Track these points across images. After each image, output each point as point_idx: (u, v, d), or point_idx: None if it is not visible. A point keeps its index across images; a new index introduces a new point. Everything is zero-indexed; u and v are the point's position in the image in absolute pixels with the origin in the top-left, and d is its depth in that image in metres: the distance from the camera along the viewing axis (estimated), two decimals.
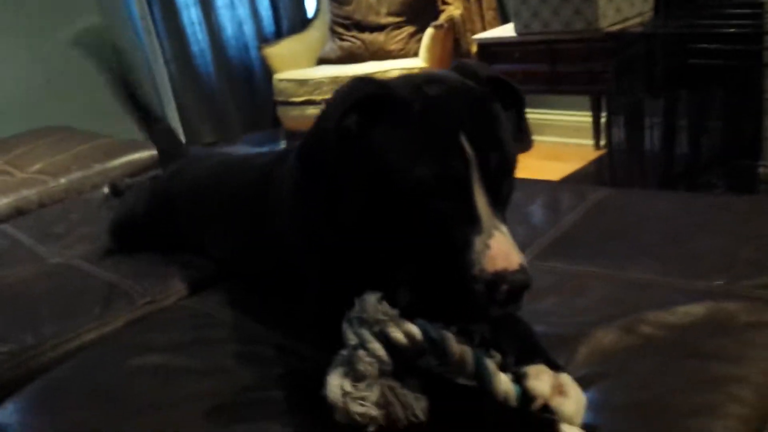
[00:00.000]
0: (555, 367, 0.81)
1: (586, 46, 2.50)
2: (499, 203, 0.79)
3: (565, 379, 0.79)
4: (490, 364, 0.76)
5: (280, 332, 1.06)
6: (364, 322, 0.76)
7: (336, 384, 0.74)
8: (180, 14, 3.85)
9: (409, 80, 0.85)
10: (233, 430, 0.84)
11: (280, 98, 3.71)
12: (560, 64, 2.62)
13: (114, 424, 0.89)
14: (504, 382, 0.76)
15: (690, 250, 1.10)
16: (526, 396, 0.76)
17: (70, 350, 1.16)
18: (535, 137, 3.79)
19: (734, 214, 1.21)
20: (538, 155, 3.62)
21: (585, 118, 3.45)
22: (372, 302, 0.77)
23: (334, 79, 3.45)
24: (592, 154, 3.40)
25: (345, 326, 0.78)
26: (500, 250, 0.74)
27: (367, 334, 0.75)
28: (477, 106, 0.82)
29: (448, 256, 0.77)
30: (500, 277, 0.73)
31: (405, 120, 0.79)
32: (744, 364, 0.84)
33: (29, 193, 2.36)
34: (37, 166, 2.63)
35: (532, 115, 3.75)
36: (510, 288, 0.74)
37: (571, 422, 0.74)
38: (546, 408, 0.75)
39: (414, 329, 0.75)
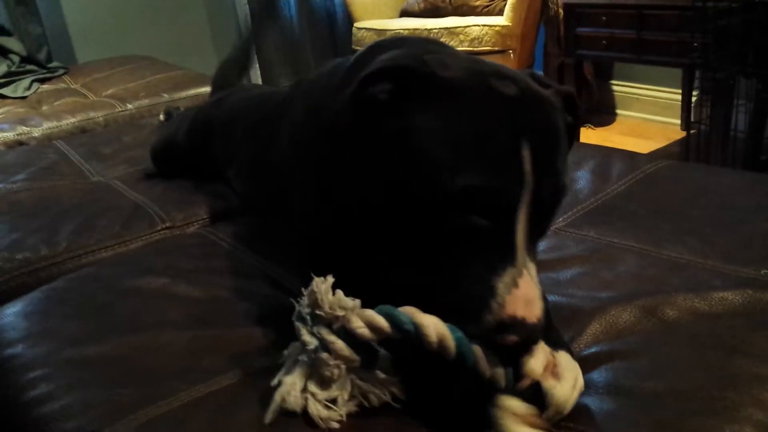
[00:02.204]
0: (559, 345, 0.73)
1: (679, 14, 2.32)
2: (537, 238, 0.68)
3: (565, 359, 0.71)
4: (475, 347, 0.67)
5: (281, 269, 1.02)
6: (319, 318, 0.67)
7: (297, 384, 0.66)
8: None
9: (471, 67, 0.70)
10: (207, 362, 0.81)
11: (357, 47, 3.66)
12: (649, 31, 2.45)
13: (97, 339, 0.87)
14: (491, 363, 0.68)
15: (741, 234, 0.99)
16: (517, 374, 0.69)
17: (82, 265, 1.16)
18: (619, 111, 3.62)
19: None
20: (620, 131, 3.44)
21: (674, 95, 3.23)
22: (325, 295, 0.66)
23: (413, 32, 3.36)
24: (678, 134, 3.20)
25: (298, 325, 0.68)
26: (525, 296, 0.63)
27: (327, 333, 0.66)
28: (547, 119, 0.68)
29: (459, 276, 0.65)
30: (513, 324, 0.63)
31: (458, 109, 0.65)
32: None
33: (96, 115, 2.40)
34: (109, 91, 2.69)
35: (618, 87, 3.56)
36: (516, 340, 0.64)
37: (561, 408, 0.66)
38: (538, 389, 0.67)
39: (380, 321, 0.65)
